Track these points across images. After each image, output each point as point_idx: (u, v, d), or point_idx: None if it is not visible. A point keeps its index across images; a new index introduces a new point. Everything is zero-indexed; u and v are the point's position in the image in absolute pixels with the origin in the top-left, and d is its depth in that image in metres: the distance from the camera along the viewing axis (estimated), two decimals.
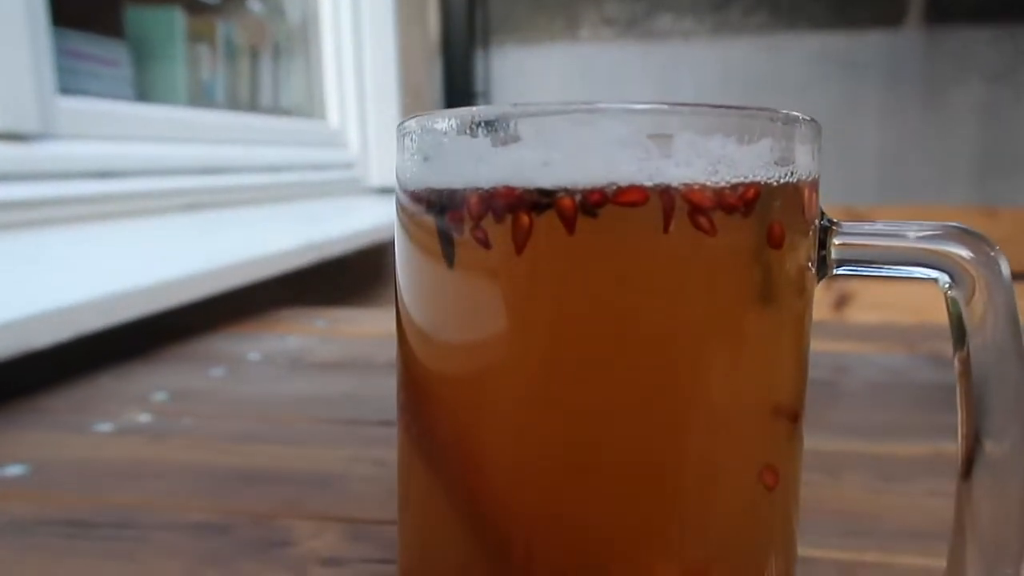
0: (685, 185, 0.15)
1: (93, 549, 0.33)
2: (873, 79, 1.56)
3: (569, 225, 0.15)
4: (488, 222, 0.15)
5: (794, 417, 0.19)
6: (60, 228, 0.70)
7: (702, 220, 0.15)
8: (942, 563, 0.20)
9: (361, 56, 1.40)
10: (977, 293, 0.17)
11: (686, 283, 0.15)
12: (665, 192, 0.15)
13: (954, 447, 0.29)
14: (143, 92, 0.93)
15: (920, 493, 0.38)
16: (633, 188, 0.14)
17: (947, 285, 0.17)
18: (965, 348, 0.18)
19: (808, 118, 0.17)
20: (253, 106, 1.18)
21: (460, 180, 0.16)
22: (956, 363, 0.18)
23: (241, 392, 0.56)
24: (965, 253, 0.16)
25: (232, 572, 0.31)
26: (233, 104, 1.13)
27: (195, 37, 1.03)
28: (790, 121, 0.16)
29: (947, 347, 0.74)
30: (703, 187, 0.15)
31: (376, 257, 1.43)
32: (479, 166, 0.15)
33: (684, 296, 0.15)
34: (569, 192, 0.15)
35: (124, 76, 0.89)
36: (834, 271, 0.18)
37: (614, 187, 0.14)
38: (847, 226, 0.17)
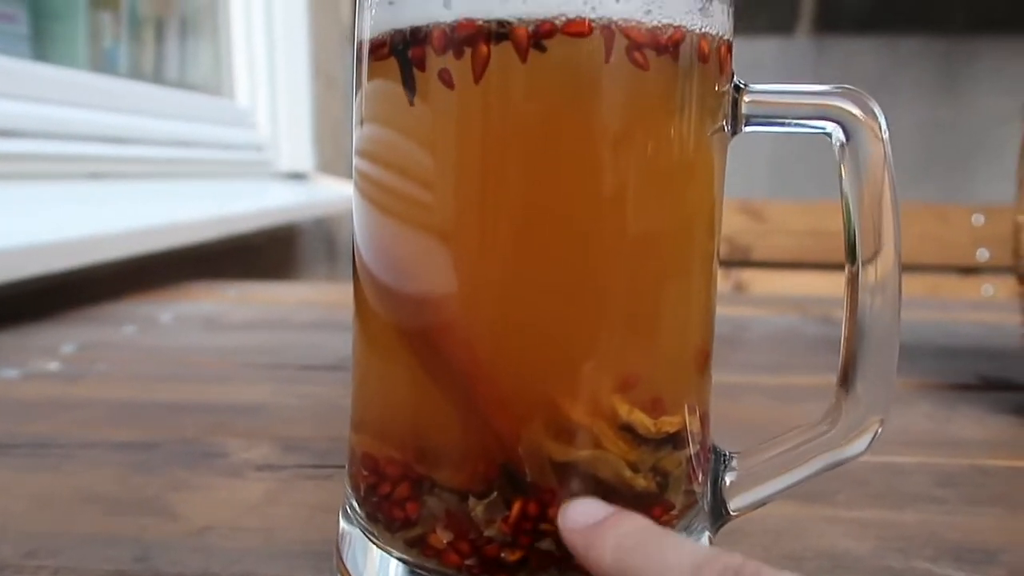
0: (624, 20, 0.17)
1: (16, 464, 0.32)
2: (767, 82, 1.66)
3: (523, 54, 0.17)
4: (449, 59, 0.17)
5: (709, 257, 0.21)
6: None
7: (637, 55, 0.17)
8: None
9: (272, 37, 1.38)
10: (861, 143, 0.19)
11: (624, 109, 0.18)
12: (607, 28, 0.17)
13: None
14: (41, 53, 0.89)
15: (810, 412, 0.42)
16: (579, 20, 0.16)
17: (839, 143, 0.20)
18: (855, 263, 0.20)
19: None
20: (158, 79, 1.14)
21: (424, 17, 0.17)
22: (847, 271, 0.21)
23: (156, 344, 0.55)
24: (854, 108, 0.19)
25: (167, 477, 0.31)
26: (136, 74, 1.09)
27: (97, 2, 0.99)
28: None
29: (835, 311, 0.79)
30: (639, 24, 0.17)
31: (286, 240, 1.41)
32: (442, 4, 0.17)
33: (622, 120, 0.18)
34: (524, 23, 0.17)
35: (21, 33, 0.85)
36: (744, 126, 0.20)
37: (563, 19, 0.16)
38: (756, 87, 0.20)
